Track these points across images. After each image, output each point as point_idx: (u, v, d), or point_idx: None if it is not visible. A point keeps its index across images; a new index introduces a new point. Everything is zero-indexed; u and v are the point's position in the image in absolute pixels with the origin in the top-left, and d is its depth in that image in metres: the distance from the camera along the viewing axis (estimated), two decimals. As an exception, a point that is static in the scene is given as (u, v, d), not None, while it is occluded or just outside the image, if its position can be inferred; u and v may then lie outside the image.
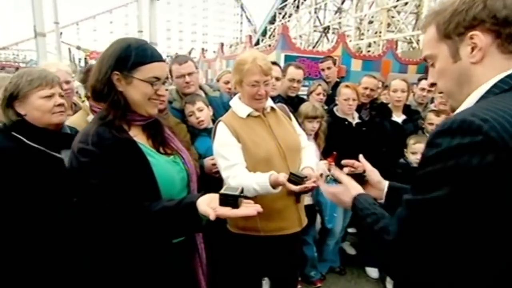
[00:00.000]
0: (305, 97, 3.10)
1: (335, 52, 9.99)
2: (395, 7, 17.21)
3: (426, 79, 3.12)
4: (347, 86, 2.64)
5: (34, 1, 8.38)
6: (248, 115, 1.70)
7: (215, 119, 1.98)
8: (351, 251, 3.36)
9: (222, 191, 1.00)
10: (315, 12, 24.58)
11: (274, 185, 1.49)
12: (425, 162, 0.70)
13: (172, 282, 1.25)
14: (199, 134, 2.20)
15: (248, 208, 1.00)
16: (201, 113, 2.16)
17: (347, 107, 2.61)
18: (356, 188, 1.03)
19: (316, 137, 2.52)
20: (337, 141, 2.54)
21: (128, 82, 1.12)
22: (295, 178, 1.45)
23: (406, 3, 17.03)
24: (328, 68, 3.59)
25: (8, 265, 1.30)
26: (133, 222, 1.06)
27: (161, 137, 1.28)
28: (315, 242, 2.84)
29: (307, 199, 2.15)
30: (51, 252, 1.34)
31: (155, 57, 1.14)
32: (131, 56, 1.10)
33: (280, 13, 28.65)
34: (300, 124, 2.22)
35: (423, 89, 3.07)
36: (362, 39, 19.48)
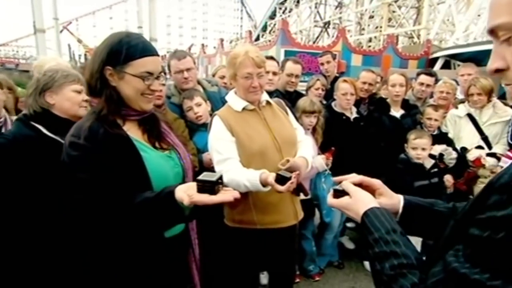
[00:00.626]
0: (304, 92, 3.11)
1: (335, 47, 9.97)
2: (396, 1, 17.13)
3: (425, 73, 3.13)
4: (345, 81, 2.64)
5: (33, -3, 8.37)
6: (243, 109, 1.71)
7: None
8: (349, 245, 3.39)
9: (199, 177, 0.99)
10: (316, 7, 24.46)
11: (264, 183, 1.50)
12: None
13: (165, 277, 1.26)
14: (198, 129, 2.21)
15: (225, 195, 0.99)
16: (199, 108, 2.17)
17: (345, 102, 2.62)
18: (364, 202, 0.78)
19: (313, 131, 2.52)
20: (335, 136, 2.55)
21: (120, 77, 1.12)
22: (281, 178, 1.46)
23: (407, -2, 16.94)
24: (328, 62, 3.58)
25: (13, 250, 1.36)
26: (116, 215, 1.06)
27: (157, 132, 1.27)
28: (314, 237, 2.86)
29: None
30: (54, 243, 1.37)
31: (147, 52, 1.13)
32: (122, 51, 1.09)
33: (280, 8, 28.51)
34: (297, 119, 2.23)
35: (422, 84, 3.07)
36: (362, 34, 19.40)
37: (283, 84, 2.85)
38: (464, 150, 2.71)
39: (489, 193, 0.50)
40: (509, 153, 2.47)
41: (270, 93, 2.41)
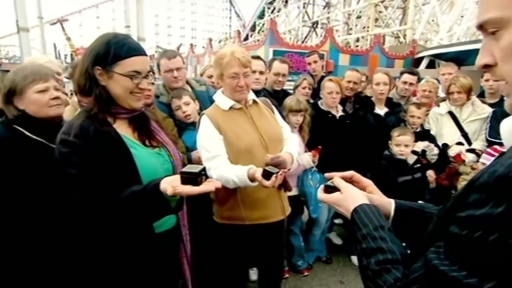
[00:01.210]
0: (291, 91, 3.16)
1: (323, 47, 10.10)
2: (382, 2, 17.38)
3: (408, 72, 3.22)
4: (330, 80, 2.71)
5: (16, -5, 8.15)
6: (231, 108, 1.76)
7: (201, 113, 2.02)
8: (337, 241, 3.46)
9: (183, 169, 1.04)
10: (304, 7, 24.62)
11: (252, 179, 1.54)
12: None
13: (157, 272, 1.29)
14: (186, 128, 2.24)
15: (208, 185, 1.03)
16: (188, 107, 2.20)
17: (330, 100, 2.68)
18: (354, 198, 0.79)
19: (300, 130, 2.58)
20: (322, 134, 2.61)
21: (109, 77, 1.15)
22: (267, 173, 1.51)
23: (393, -2, 17.21)
24: (314, 62, 3.64)
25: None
26: (105, 209, 1.09)
27: (146, 130, 1.31)
28: (302, 233, 2.92)
29: (292, 190, 2.22)
30: (44, 242, 1.37)
31: (135, 51, 1.16)
32: (111, 51, 1.13)
33: (269, 8, 28.58)
34: (284, 117, 2.28)
35: (405, 83, 3.16)
36: (350, 34, 19.63)
37: (270, 83, 2.90)
38: (446, 146, 2.82)
39: (470, 191, 0.51)
40: (489, 149, 2.56)
41: (258, 92, 2.45)
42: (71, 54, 22.04)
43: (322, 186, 0.88)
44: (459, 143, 2.80)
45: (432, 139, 2.83)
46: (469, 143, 2.81)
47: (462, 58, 8.41)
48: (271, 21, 10.50)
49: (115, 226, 1.15)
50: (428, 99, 3.16)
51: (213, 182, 1.06)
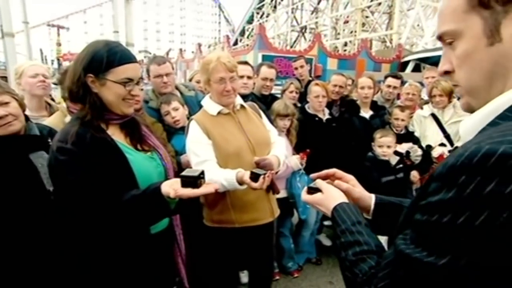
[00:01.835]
0: (279, 95, 3.22)
1: (311, 51, 10.22)
2: (369, 7, 17.70)
3: (392, 76, 3.32)
4: (316, 84, 2.78)
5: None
6: (219, 113, 1.79)
7: (190, 118, 2.05)
8: (327, 242, 3.51)
9: (183, 173, 1.09)
10: (292, 12, 24.87)
11: (240, 182, 1.58)
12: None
13: (153, 272, 1.32)
14: (175, 133, 2.26)
15: (207, 187, 1.09)
16: (177, 113, 2.23)
17: (317, 104, 2.75)
18: (334, 197, 0.85)
19: (288, 133, 2.63)
20: (309, 136, 2.67)
21: (102, 84, 1.18)
22: (255, 175, 1.55)
23: (379, 4, 17.55)
24: (301, 66, 3.71)
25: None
26: (106, 213, 1.12)
27: (138, 134, 1.35)
28: (292, 234, 2.96)
29: (281, 192, 2.26)
30: (39, 243, 1.39)
31: (127, 59, 1.20)
32: (103, 59, 1.16)
33: (258, 13, 28.77)
34: (272, 122, 2.33)
35: (389, 86, 3.26)
36: (338, 39, 19.91)
37: (258, 88, 2.95)
38: (429, 147, 2.90)
39: (430, 182, 0.56)
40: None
41: (246, 96, 2.50)
42: (58, 60, 21.74)
43: (305, 188, 0.94)
44: (442, 144, 2.89)
45: (416, 141, 2.92)
46: (452, 144, 2.90)
47: (446, 62, 8.59)
48: (260, 26, 10.59)
49: (115, 229, 1.17)
50: (411, 101, 3.26)
51: (212, 185, 1.12)
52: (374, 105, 3.13)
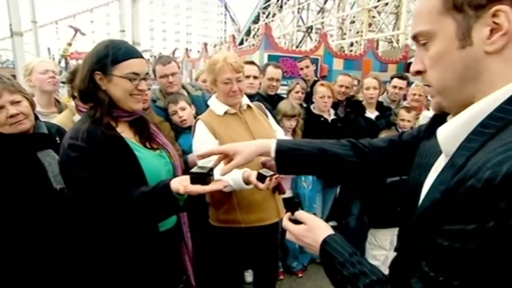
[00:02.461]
0: (285, 95, 3.23)
1: (317, 51, 10.18)
2: (375, 7, 17.59)
3: (398, 77, 3.31)
4: (322, 84, 2.79)
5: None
6: (225, 113, 1.80)
7: (197, 118, 2.06)
8: (331, 242, 3.51)
9: (192, 170, 1.10)
10: (298, 12, 24.80)
11: (247, 182, 1.59)
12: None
13: (160, 269, 1.34)
14: (183, 132, 2.29)
15: (216, 184, 1.11)
16: (184, 112, 2.25)
17: (322, 104, 2.76)
18: (322, 229, 0.80)
19: (293, 133, 2.64)
20: (314, 137, 2.66)
21: (109, 80, 1.20)
22: (261, 176, 1.56)
23: (386, 4, 17.42)
24: (306, 66, 3.71)
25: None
26: (116, 210, 1.14)
27: (147, 132, 1.37)
28: (296, 234, 2.97)
29: (287, 192, 2.27)
30: (47, 240, 1.41)
31: (132, 54, 1.22)
32: (109, 55, 1.18)
33: (263, 13, 28.74)
34: (278, 122, 2.34)
35: (395, 87, 3.25)
36: (344, 39, 19.83)
37: (264, 88, 2.96)
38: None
39: (450, 203, 0.52)
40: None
41: (252, 96, 2.51)
42: (65, 59, 21.94)
43: (286, 215, 0.90)
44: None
45: (422, 142, 2.90)
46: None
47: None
48: (265, 26, 10.57)
49: (124, 226, 1.20)
50: (418, 102, 3.24)
51: (221, 181, 1.13)
52: (380, 106, 3.12)
